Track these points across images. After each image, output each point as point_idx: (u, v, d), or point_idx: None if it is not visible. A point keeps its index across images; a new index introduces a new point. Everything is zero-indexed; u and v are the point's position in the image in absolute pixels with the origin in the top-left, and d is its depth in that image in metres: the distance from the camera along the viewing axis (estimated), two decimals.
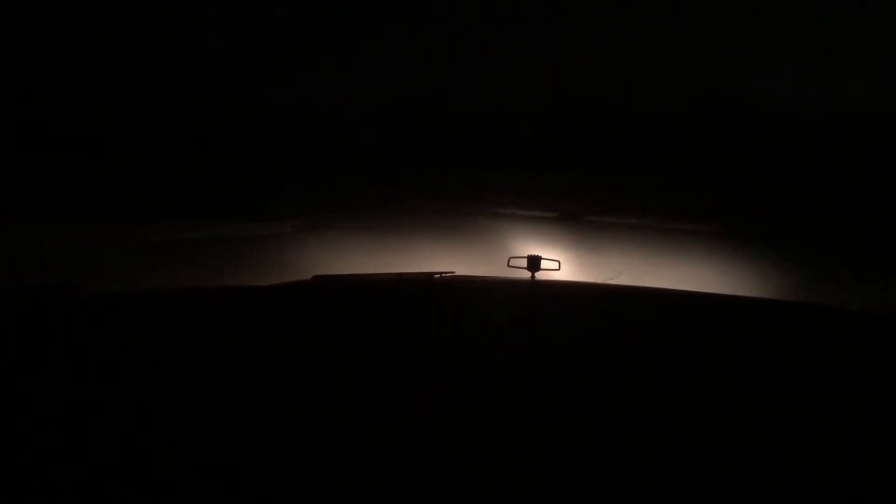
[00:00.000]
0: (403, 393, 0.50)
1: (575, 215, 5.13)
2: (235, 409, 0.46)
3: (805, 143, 5.44)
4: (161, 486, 0.35)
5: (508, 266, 1.18)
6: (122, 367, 0.55)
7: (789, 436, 0.42)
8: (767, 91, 5.93)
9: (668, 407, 0.48)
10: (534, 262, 1.14)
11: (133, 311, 0.80)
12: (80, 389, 0.50)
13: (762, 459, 0.39)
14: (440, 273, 1.19)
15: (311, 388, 0.51)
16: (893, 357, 0.65)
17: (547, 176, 6.13)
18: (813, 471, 0.38)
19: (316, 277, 1.11)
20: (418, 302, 0.92)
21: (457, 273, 1.23)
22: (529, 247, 3.91)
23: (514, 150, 6.63)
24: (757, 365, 0.60)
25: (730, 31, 5.82)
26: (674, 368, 0.58)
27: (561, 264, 1.15)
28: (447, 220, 5.60)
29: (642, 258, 3.81)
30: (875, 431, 0.45)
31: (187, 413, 0.45)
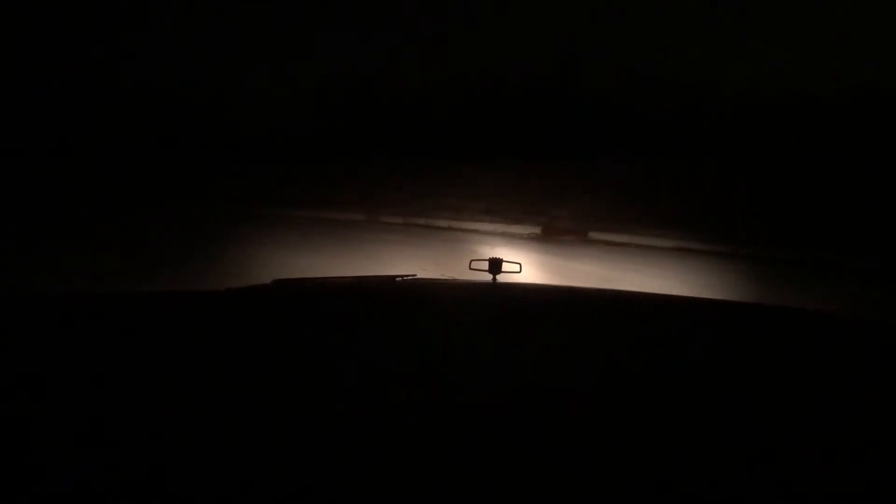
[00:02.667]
0: (365, 396, 0.49)
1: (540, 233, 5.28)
2: (189, 416, 0.45)
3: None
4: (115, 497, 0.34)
5: (470, 269, 1.16)
6: (69, 374, 0.53)
7: (760, 445, 0.42)
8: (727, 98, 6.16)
9: (636, 410, 0.48)
10: (495, 265, 1.11)
11: (85, 315, 0.75)
12: (19, 397, 0.47)
13: (729, 468, 0.39)
14: (401, 276, 1.17)
15: (271, 393, 0.50)
16: (882, 362, 0.65)
17: (515, 192, 6.25)
18: (795, 477, 0.38)
19: (275, 281, 1.08)
20: (379, 305, 0.91)
21: (418, 276, 1.22)
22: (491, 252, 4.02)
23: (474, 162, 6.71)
24: (720, 367, 0.61)
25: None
26: (638, 370, 0.58)
27: (522, 267, 1.13)
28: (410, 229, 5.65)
29: (605, 270, 3.90)
30: (867, 435, 0.45)
31: (137, 421, 0.44)
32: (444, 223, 5.63)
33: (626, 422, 0.45)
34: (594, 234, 5.02)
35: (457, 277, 1.35)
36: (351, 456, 0.39)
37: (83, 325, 0.71)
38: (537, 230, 5.30)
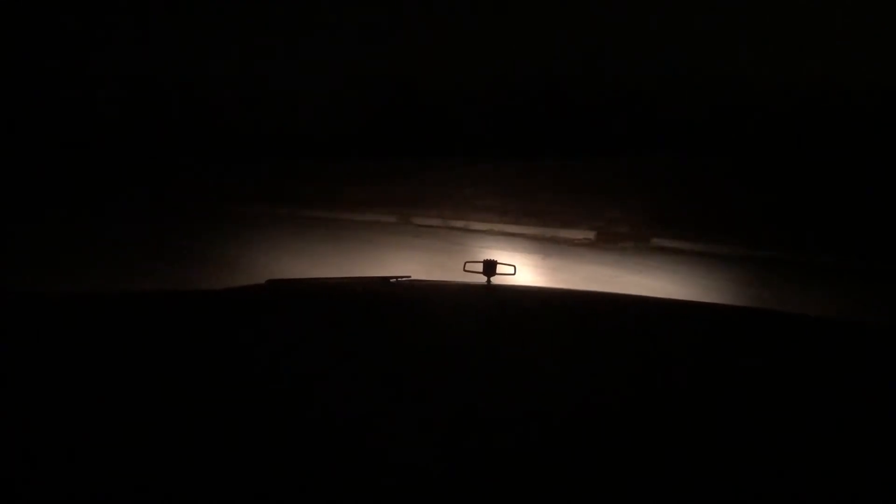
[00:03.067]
0: (359, 396, 0.49)
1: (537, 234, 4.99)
2: (185, 415, 0.45)
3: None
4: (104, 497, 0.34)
5: (464, 270, 1.14)
6: (63, 374, 0.53)
7: (759, 447, 0.41)
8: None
9: (630, 412, 0.47)
10: (490, 267, 1.10)
11: (81, 315, 0.77)
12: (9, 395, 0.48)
13: (718, 472, 0.38)
14: (396, 277, 1.17)
15: (265, 393, 0.49)
16: (880, 366, 0.64)
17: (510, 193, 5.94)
18: (795, 478, 0.38)
19: (270, 281, 1.09)
20: (373, 305, 0.91)
21: (412, 277, 1.20)
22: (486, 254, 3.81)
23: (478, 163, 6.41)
24: (716, 371, 0.60)
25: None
26: (633, 373, 0.57)
27: (516, 269, 1.11)
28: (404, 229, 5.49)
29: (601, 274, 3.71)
30: (867, 436, 0.44)
31: (134, 419, 0.44)
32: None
33: (621, 423, 0.44)
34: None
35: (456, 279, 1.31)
36: (345, 456, 0.39)
37: (80, 325, 0.71)
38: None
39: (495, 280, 1.10)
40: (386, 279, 1.15)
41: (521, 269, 1.19)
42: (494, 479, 0.36)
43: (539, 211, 5.50)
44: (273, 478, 0.36)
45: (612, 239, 4.81)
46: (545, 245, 4.69)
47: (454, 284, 1.17)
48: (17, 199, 6.42)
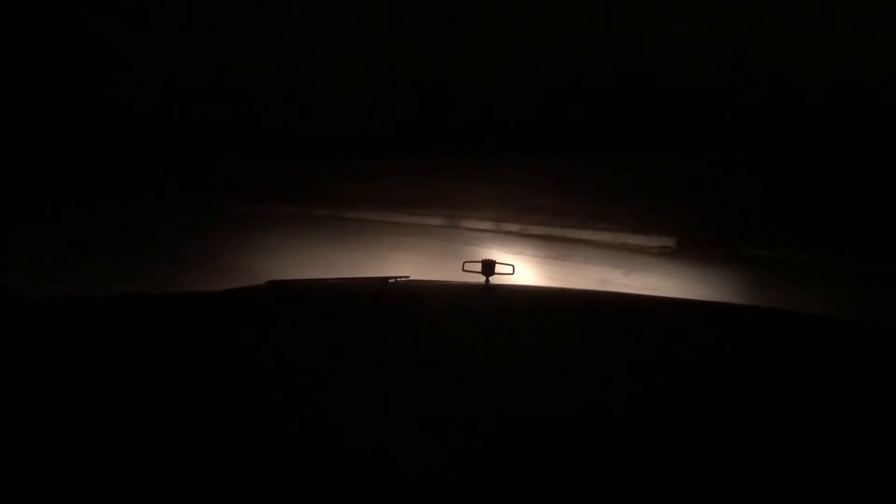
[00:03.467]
0: (359, 396, 0.49)
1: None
2: (185, 416, 0.45)
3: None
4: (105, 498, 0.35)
5: (463, 270, 1.11)
6: (64, 376, 0.54)
7: (759, 447, 0.41)
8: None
9: (629, 411, 0.47)
10: (488, 267, 1.07)
11: (82, 316, 0.80)
12: (10, 398, 0.49)
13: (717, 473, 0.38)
14: (395, 277, 1.16)
15: (265, 394, 0.50)
16: (880, 366, 0.63)
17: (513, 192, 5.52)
18: (794, 478, 0.38)
19: (269, 282, 1.10)
20: (373, 306, 0.91)
21: (411, 277, 1.19)
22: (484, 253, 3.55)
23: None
24: (714, 369, 0.60)
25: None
26: (632, 372, 0.57)
27: (515, 269, 1.07)
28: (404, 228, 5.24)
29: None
30: (867, 436, 0.44)
31: (134, 420, 0.44)
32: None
33: (621, 423, 0.44)
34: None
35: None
36: (344, 456, 0.39)
37: (80, 327, 0.72)
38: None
39: (494, 280, 1.08)
40: (385, 279, 1.15)
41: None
42: (494, 479, 0.36)
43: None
44: (272, 478, 0.36)
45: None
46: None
47: (453, 284, 1.17)
48: (16, 199, 6.52)
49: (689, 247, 4.34)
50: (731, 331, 0.78)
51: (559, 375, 0.56)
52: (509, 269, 1.06)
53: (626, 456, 0.39)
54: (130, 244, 4.72)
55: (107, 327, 0.72)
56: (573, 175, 5.88)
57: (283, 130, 7.36)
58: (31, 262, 3.93)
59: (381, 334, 0.71)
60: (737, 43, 5.46)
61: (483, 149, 6.35)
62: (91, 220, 5.95)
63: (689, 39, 5.63)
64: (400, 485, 0.36)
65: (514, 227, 5.10)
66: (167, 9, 7.04)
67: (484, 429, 0.43)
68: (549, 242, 4.65)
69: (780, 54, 5.33)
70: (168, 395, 0.48)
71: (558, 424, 0.44)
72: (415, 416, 0.45)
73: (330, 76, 6.90)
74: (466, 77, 6.61)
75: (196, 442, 0.40)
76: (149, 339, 0.66)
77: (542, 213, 5.20)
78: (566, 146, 5.99)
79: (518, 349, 0.65)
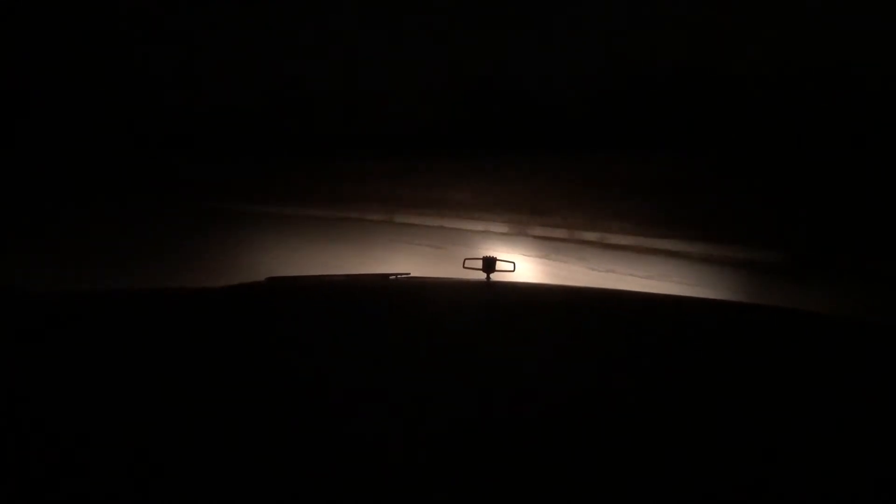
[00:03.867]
0: (359, 394, 0.50)
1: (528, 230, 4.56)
2: (185, 413, 0.45)
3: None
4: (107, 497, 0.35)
5: (464, 267, 1.13)
6: (65, 373, 0.55)
7: (759, 446, 0.42)
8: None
9: (632, 409, 0.47)
10: (489, 264, 1.08)
11: (79, 313, 0.81)
12: (14, 396, 0.49)
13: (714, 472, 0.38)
14: (395, 274, 1.16)
15: (265, 391, 0.50)
16: (880, 365, 0.63)
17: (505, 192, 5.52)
18: (794, 477, 0.38)
19: (270, 279, 1.11)
20: (373, 302, 0.91)
21: (412, 274, 1.20)
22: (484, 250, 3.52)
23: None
24: (717, 366, 0.60)
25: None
26: (635, 369, 0.58)
27: (516, 265, 1.08)
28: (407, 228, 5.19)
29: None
30: (867, 436, 0.44)
31: (132, 419, 0.44)
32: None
33: (622, 421, 0.45)
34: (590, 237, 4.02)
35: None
36: (345, 454, 0.39)
37: (80, 324, 0.73)
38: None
39: (495, 277, 1.09)
40: (385, 276, 1.15)
41: None
42: (494, 478, 0.37)
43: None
44: (272, 475, 0.36)
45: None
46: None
47: (454, 281, 1.16)
48: (16, 198, 6.58)
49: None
50: (733, 328, 0.78)
51: (560, 371, 0.56)
52: (510, 266, 1.07)
53: (627, 453, 0.40)
54: (130, 244, 4.72)
55: (106, 323, 0.73)
56: (575, 176, 5.86)
57: (283, 131, 7.35)
58: (31, 261, 3.94)
59: (381, 330, 0.71)
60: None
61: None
62: (90, 219, 5.95)
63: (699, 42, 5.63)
64: (400, 481, 0.36)
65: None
66: (169, 7, 7.03)
67: (485, 425, 0.43)
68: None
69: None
70: (168, 390, 0.49)
71: (559, 421, 0.44)
72: (415, 413, 0.45)
73: (330, 75, 6.90)
74: (466, 78, 6.59)
75: (196, 438, 0.41)
76: (148, 334, 0.67)
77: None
78: (570, 146, 5.96)
79: (519, 345, 0.65)
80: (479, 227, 5.38)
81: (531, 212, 5.35)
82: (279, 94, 7.49)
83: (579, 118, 6.14)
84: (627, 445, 0.41)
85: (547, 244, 4.63)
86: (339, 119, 7.26)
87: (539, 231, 5.02)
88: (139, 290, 0.97)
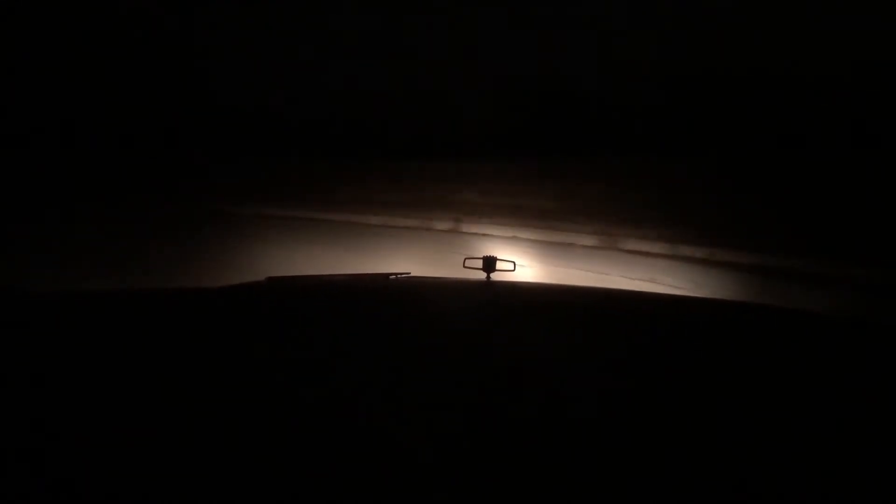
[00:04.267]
0: (359, 394, 0.50)
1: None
2: (185, 413, 0.46)
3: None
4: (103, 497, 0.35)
5: (464, 267, 1.15)
6: (66, 372, 0.54)
7: (759, 445, 0.41)
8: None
9: (631, 408, 0.47)
10: (489, 263, 1.10)
11: (79, 313, 0.80)
12: (13, 396, 0.49)
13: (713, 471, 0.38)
14: (395, 274, 1.18)
15: (266, 391, 0.50)
16: (880, 365, 0.63)
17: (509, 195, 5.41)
18: (794, 477, 0.38)
19: (269, 279, 1.12)
20: (374, 302, 0.92)
21: (412, 274, 1.23)
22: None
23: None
24: (716, 366, 0.60)
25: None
26: (633, 368, 0.58)
27: (516, 265, 1.10)
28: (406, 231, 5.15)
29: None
30: (866, 435, 0.44)
31: (132, 419, 0.45)
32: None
33: (622, 420, 0.45)
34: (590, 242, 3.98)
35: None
36: (345, 454, 0.39)
37: (79, 323, 0.73)
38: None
39: (495, 276, 1.10)
40: (386, 276, 1.16)
41: None
42: (494, 477, 0.37)
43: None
44: (273, 475, 0.36)
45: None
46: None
47: (454, 281, 1.16)
48: (16, 198, 6.50)
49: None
50: (732, 327, 0.78)
51: (560, 371, 0.56)
52: (510, 266, 1.08)
53: (627, 453, 0.40)
54: (130, 244, 4.71)
55: (106, 323, 0.73)
56: (576, 178, 5.86)
57: (284, 131, 7.35)
58: (31, 261, 3.94)
59: (381, 330, 0.71)
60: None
61: (484, 150, 6.32)
62: (90, 219, 5.89)
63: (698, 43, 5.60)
64: (401, 481, 0.36)
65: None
66: (170, 6, 7.03)
67: (485, 425, 0.43)
68: (550, 245, 4.61)
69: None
70: (168, 390, 0.49)
71: (559, 420, 0.44)
72: (416, 412, 0.45)
73: (329, 77, 6.90)
74: (465, 79, 6.56)
75: (197, 438, 0.41)
76: (149, 334, 0.67)
77: (546, 215, 5.08)
78: (571, 149, 5.93)
79: (519, 344, 0.65)
80: (479, 230, 5.28)
81: (532, 214, 5.29)
82: (281, 94, 7.50)
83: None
84: (627, 445, 0.41)
85: (547, 247, 4.59)
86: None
87: (540, 234, 4.94)
88: (139, 290, 0.98)
